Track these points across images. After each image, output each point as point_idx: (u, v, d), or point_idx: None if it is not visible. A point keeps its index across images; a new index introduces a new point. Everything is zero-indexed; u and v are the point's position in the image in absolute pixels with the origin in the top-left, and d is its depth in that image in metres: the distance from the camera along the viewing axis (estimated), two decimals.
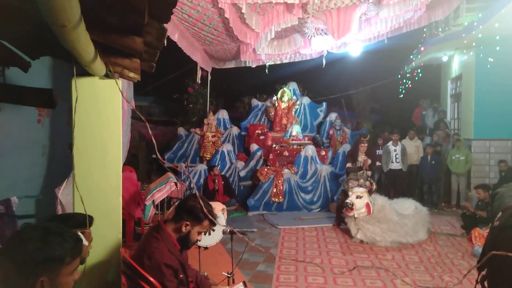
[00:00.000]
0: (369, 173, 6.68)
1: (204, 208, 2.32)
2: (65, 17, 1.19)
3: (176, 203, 2.74)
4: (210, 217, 2.35)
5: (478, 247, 5.14)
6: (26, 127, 4.19)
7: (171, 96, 11.59)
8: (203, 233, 2.58)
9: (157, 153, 2.13)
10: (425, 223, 6.04)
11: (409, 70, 11.08)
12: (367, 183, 6.38)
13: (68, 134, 2.56)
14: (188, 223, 2.31)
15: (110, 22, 1.71)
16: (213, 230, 3.83)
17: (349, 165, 6.76)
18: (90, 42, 1.64)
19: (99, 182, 2.64)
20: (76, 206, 2.50)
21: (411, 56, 10.45)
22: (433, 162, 8.16)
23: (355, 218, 5.69)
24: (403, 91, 11.34)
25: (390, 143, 8.25)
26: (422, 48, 9.51)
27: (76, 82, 2.37)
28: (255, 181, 8.38)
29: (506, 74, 7.90)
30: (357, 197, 5.70)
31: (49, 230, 1.38)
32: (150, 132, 2.11)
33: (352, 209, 5.64)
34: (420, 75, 10.74)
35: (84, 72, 2.43)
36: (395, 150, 8.13)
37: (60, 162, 4.69)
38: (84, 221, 2.15)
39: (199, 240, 2.50)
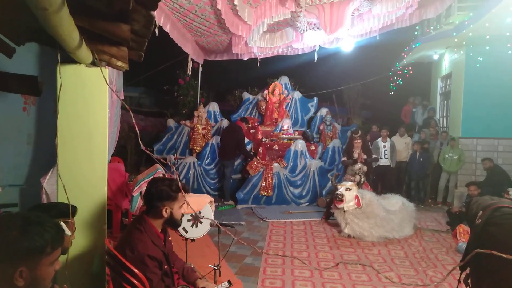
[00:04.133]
0: (365, 168, 6.73)
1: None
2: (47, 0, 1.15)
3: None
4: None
5: (462, 243, 5.23)
6: (11, 115, 4.11)
7: (162, 87, 11.47)
8: (186, 215, 2.54)
9: (141, 144, 2.10)
10: (412, 219, 6.12)
11: (400, 67, 11.14)
12: (358, 177, 6.44)
13: (55, 123, 2.51)
14: (165, 207, 2.29)
15: (96, 8, 1.67)
16: (201, 223, 3.83)
17: (344, 158, 6.84)
18: (74, 28, 1.59)
19: (84, 172, 2.60)
20: (59, 196, 2.46)
21: (403, 54, 10.50)
22: (421, 159, 8.25)
23: (344, 211, 5.73)
24: (394, 88, 11.41)
25: (379, 139, 8.31)
26: (414, 46, 9.56)
27: (61, 69, 2.32)
28: (244, 174, 8.37)
29: (495, 74, 8.00)
30: (346, 189, 5.75)
31: (29, 219, 1.35)
32: (134, 121, 2.07)
33: (342, 200, 5.67)
34: (411, 72, 10.81)
35: (70, 59, 2.38)
36: (384, 146, 8.19)
37: (46, 151, 4.62)
38: (67, 211, 2.12)
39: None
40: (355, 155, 6.74)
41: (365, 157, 6.80)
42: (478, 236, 1.35)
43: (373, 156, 7.47)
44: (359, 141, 6.81)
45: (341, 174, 7.02)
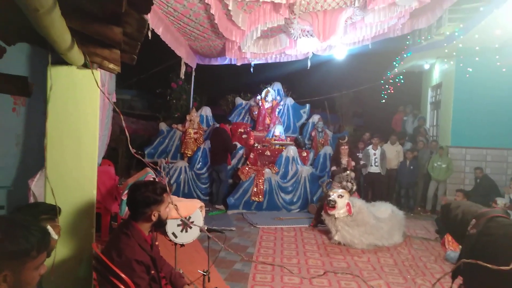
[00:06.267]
0: (352, 175, 6.75)
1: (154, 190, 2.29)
2: (38, 1, 1.14)
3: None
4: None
5: (450, 252, 5.27)
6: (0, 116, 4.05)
7: (154, 90, 11.43)
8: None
9: (130, 147, 2.08)
10: (401, 226, 6.15)
11: (392, 76, 11.27)
12: (349, 184, 6.46)
13: (44, 124, 2.48)
14: (153, 211, 2.28)
15: (88, 10, 1.66)
16: (190, 228, 3.80)
17: (333, 168, 6.84)
18: (66, 29, 1.58)
19: (73, 174, 2.57)
20: (47, 198, 2.43)
21: (394, 63, 10.63)
22: (411, 167, 8.33)
23: (335, 218, 5.74)
24: (385, 96, 11.52)
25: (370, 147, 8.37)
26: (405, 55, 9.68)
27: (52, 70, 2.30)
28: (235, 179, 8.36)
29: (484, 84, 8.13)
30: (339, 196, 5.77)
31: (14, 222, 1.33)
32: (124, 124, 2.05)
33: (334, 207, 5.68)
34: (402, 81, 10.94)
35: (62, 61, 2.36)
36: (374, 154, 8.26)
37: (34, 153, 4.55)
38: (52, 207, 2.08)
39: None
40: (344, 162, 6.77)
41: (353, 163, 6.84)
42: (472, 245, 1.34)
43: (362, 162, 7.51)
44: (346, 147, 6.85)
45: (331, 182, 7.06)
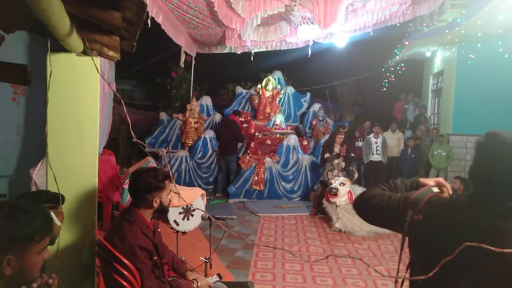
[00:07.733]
0: (343, 164, 6.73)
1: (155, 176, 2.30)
2: None
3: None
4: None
5: None
6: None
7: (154, 80, 11.39)
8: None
9: (133, 135, 2.07)
10: None
11: (393, 64, 11.18)
12: (342, 176, 6.43)
13: (45, 113, 2.48)
14: (155, 198, 2.29)
15: None
16: (192, 216, 3.82)
17: (327, 155, 6.83)
18: (64, 13, 1.56)
19: (74, 162, 2.57)
20: (49, 186, 2.44)
21: (396, 50, 10.54)
22: (413, 155, 8.33)
23: (336, 206, 5.76)
24: (386, 85, 11.45)
25: (371, 135, 8.36)
26: (407, 43, 9.60)
27: (51, 57, 2.28)
28: (236, 168, 8.37)
29: (486, 71, 8.06)
30: (340, 184, 5.79)
31: (16, 207, 1.34)
32: (125, 111, 2.04)
33: (336, 194, 5.71)
34: (404, 69, 10.86)
35: (61, 47, 2.34)
36: (376, 142, 8.25)
37: (35, 142, 4.55)
38: (55, 196, 2.09)
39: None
40: (336, 150, 6.77)
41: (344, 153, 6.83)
42: (422, 230, 1.35)
43: (351, 154, 7.52)
44: (342, 136, 6.85)
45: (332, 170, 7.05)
